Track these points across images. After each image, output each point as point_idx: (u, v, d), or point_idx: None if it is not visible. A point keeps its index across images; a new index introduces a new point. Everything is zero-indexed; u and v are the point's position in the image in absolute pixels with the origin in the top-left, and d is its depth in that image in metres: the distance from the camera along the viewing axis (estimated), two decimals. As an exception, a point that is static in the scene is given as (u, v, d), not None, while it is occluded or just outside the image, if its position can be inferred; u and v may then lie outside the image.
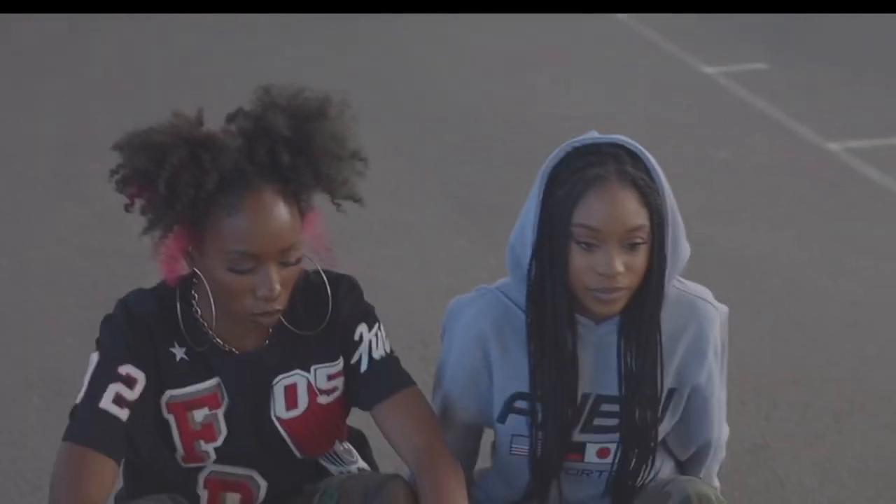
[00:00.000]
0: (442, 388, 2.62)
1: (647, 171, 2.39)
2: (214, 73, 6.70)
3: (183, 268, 2.41)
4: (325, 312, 2.50)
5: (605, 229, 2.35)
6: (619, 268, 2.35)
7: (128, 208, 2.35)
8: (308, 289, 2.50)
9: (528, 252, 2.46)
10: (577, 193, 2.37)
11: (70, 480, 2.32)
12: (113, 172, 2.33)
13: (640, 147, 2.42)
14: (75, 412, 2.39)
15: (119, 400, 2.37)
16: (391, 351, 2.56)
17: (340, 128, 2.38)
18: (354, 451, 2.70)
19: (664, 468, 2.71)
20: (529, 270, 2.46)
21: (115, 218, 4.88)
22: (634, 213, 2.35)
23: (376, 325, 2.55)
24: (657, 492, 2.52)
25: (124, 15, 7.92)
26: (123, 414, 2.37)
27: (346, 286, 2.54)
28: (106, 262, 4.68)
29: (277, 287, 2.33)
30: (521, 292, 2.51)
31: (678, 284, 2.54)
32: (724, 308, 2.57)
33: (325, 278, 2.49)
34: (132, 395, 2.39)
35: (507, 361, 2.54)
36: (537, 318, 2.49)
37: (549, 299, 2.46)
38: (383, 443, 2.72)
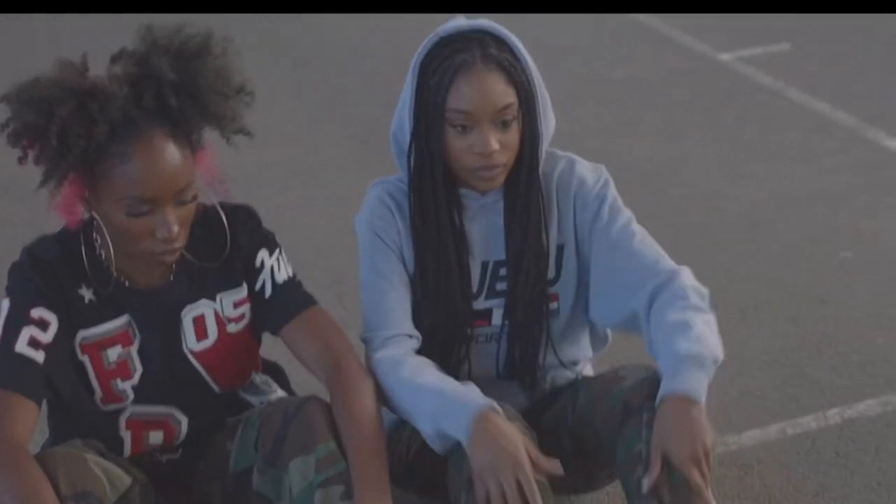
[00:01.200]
0: (367, 261, 2.68)
1: (512, 52, 2.55)
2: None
3: (82, 212, 2.44)
4: (225, 243, 2.56)
5: (477, 111, 2.51)
6: (495, 146, 2.52)
7: (21, 161, 2.38)
8: (206, 221, 2.56)
9: (407, 133, 2.60)
10: (447, 81, 2.52)
11: None
12: (3, 126, 2.36)
13: (503, 31, 2.58)
14: None
15: (34, 343, 2.42)
16: (294, 275, 2.63)
17: (224, 64, 2.43)
18: (273, 382, 2.76)
19: (579, 354, 2.86)
20: (409, 155, 2.60)
21: (19, 188, 4.94)
22: (502, 92, 2.52)
23: (277, 251, 2.62)
24: (610, 377, 2.66)
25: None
26: (39, 356, 2.42)
27: (243, 215, 2.61)
28: (13, 231, 4.67)
29: (176, 228, 2.38)
30: (405, 174, 2.66)
31: (555, 152, 2.71)
32: (599, 166, 2.74)
33: (220, 211, 2.56)
34: (46, 337, 2.43)
35: (405, 236, 2.68)
36: (420, 198, 2.63)
37: (430, 180, 2.60)
38: (301, 375, 2.80)
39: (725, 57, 6.07)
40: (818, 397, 3.39)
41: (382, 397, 2.56)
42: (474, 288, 2.72)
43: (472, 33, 2.57)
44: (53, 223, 2.50)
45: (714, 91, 5.72)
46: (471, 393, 2.50)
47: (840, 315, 3.79)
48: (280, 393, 2.74)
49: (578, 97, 5.66)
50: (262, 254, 2.60)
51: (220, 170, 2.51)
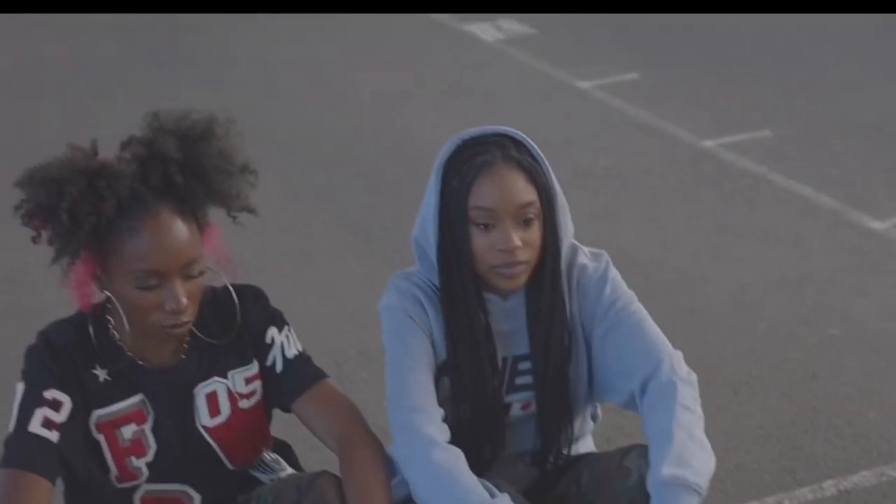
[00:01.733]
0: (397, 340, 2.70)
1: (531, 154, 2.61)
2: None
3: (94, 294, 2.52)
4: (234, 321, 2.62)
5: (499, 208, 2.55)
6: (517, 242, 2.55)
7: (35, 240, 2.45)
8: (216, 301, 2.63)
9: (432, 241, 2.64)
10: (469, 180, 2.57)
11: (7, 502, 2.41)
12: (17, 208, 2.43)
13: (522, 135, 2.63)
14: (9, 441, 2.47)
15: (48, 423, 2.46)
16: (303, 350, 2.69)
17: (228, 145, 2.51)
18: (282, 461, 2.81)
19: (584, 429, 2.91)
20: (438, 258, 2.65)
21: (21, 280, 5.01)
22: (523, 190, 2.57)
23: (286, 328, 2.68)
24: (615, 464, 2.69)
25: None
26: (53, 436, 2.46)
27: (252, 295, 2.68)
28: (19, 321, 4.72)
29: (184, 300, 2.44)
30: (430, 275, 2.71)
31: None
32: (601, 252, 2.79)
33: (230, 289, 2.62)
34: (60, 417, 2.47)
35: (435, 327, 2.72)
36: (450, 301, 2.68)
37: (458, 283, 2.65)
38: (310, 453, 2.85)
39: (708, 144, 6.18)
40: (813, 470, 3.45)
41: (397, 467, 2.59)
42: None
43: (492, 137, 2.63)
44: (57, 313, 2.57)
45: (698, 177, 5.82)
46: None
47: (831, 390, 3.86)
48: (289, 471, 2.78)
49: (565, 186, 5.67)
50: (272, 331, 2.66)
51: (226, 249, 2.58)
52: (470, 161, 2.60)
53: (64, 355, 2.51)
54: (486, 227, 2.57)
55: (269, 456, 2.80)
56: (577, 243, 2.80)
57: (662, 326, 4.36)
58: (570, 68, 7.63)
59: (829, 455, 3.51)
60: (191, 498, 2.68)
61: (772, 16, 8.48)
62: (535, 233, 2.60)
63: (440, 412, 2.68)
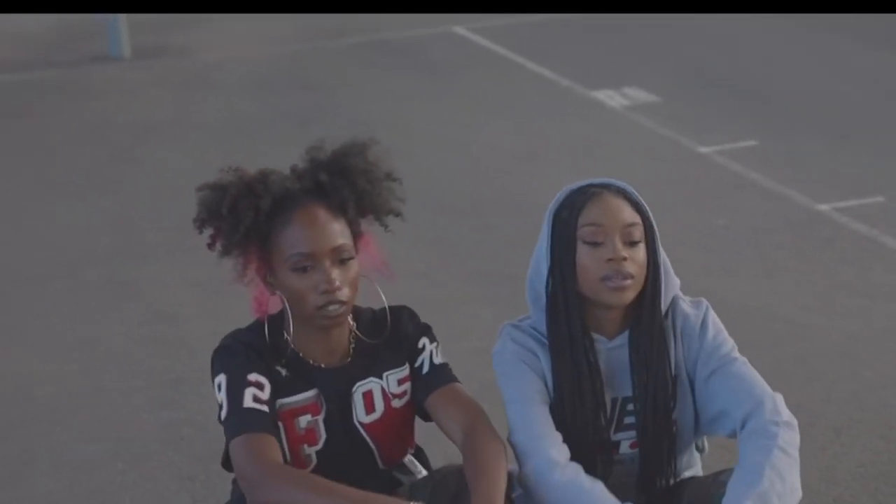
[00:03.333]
0: (513, 384, 2.90)
1: (634, 194, 2.86)
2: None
3: (267, 303, 2.83)
4: (393, 333, 2.91)
5: (607, 223, 2.78)
6: (623, 252, 2.76)
7: (210, 247, 2.82)
8: (376, 318, 2.92)
9: (544, 271, 2.85)
10: (578, 206, 2.82)
11: (250, 456, 2.66)
12: (194, 220, 2.81)
13: (625, 184, 2.87)
14: (227, 421, 2.74)
15: (257, 399, 2.75)
16: (446, 362, 2.95)
17: (373, 153, 2.84)
18: (417, 462, 3.03)
19: (691, 461, 3.08)
20: (547, 286, 2.85)
21: (170, 314, 5.38)
22: (629, 213, 2.81)
23: (435, 342, 2.95)
24: (711, 481, 2.86)
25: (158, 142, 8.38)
26: (264, 408, 2.74)
27: (408, 311, 2.97)
28: (167, 350, 5.06)
29: (335, 280, 2.73)
30: (541, 322, 2.91)
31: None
32: (700, 300, 2.97)
33: (384, 300, 2.91)
34: (264, 395, 2.76)
35: (547, 371, 2.91)
36: (557, 339, 2.87)
37: (565, 316, 2.84)
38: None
39: (823, 207, 6.33)
40: (909, 506, 3.61)
41: (552, 486, 2.77)
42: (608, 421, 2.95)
43: (598, 184, 2.87)
44: (203, 343, 2.89)
45: (811, 238, 5.97)
46: None
47: (932, 435, 4.01)
48: (424, 472, 3.01)
49: (685, 241, 5.95)
50: (424, 340, 2.95)
51: (382, 256, 2.88)
52: (580, 195, 2.84)
53: (252, 350, 2.81)
54: (596, 244, 2.78)
55: (408, 458, 3.03)
56: (679, 293, 2.97)
57: (771, 372, 4.54)
58: (692, 134, 7.82)
59: (922, 491, 3.67)
60: None
61: (887, 83, 8.63)
62: (640, 253, 2.80)
63: (559, 436, 2.85)
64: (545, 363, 2.91)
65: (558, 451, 2.81)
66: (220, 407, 2.77)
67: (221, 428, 2.81)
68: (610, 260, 2.77)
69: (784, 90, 8.74)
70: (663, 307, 2.88)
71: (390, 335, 2.92)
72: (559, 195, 2.89)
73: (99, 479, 4.07)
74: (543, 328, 2.92)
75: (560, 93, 9.12)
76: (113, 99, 9.67)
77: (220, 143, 8.23)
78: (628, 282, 2.79)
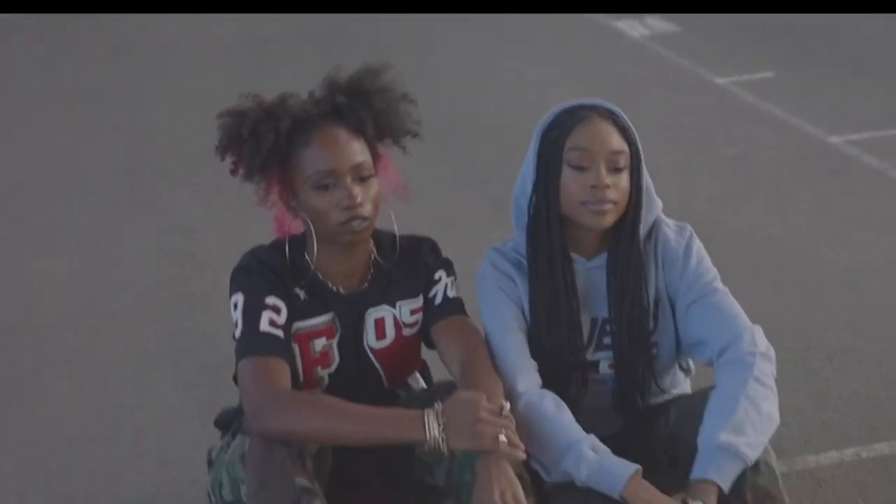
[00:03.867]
0: (491, 311, 2.96)
1: (625, 119, 2.87)
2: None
3: (289, 223, 2.87)
4: (413, 262, 2.94)
5: (594, 149, 2.81)
6: (607, 179, 2.80)
7: (232, 173, 2.84)
8: (401, 247, 2.95)
9: (528, 194, 2.88)
10: (567, 129, 2.84)
11: (258, 381, 2.69)
12: (216, 147, 2.83)
13: (615, 107, 2.89)
14: (241, 341, 2.76)
15: (273, 323, 2.77)
16: (460, 297, 2.96)
17: (388, 76, 2.86)
18: (420, 378, 3.09)
19: (675, 382, 3.14)
20: (530, 203, 2.88)
21: (184, 228, 5.47)
22: (617, 139, 2.84)
23: (453, 276, 2.98)
24: (699, 397, 2.88)
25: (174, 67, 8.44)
26: (279, 333, 2.77)
27: (430, 243, 3.00)
28: (180, 264, 5.15)
29: (357, 196, 2.75)
30: (522, 240, 2.94)
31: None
32: (684, 225, 2.99)
33: (394, 228, 2.94)
34: (280, 319, 2.79)
35: (524, 297, 2.96)
36: (536, 252, 2.91)
37: (546, 233, 2.87)
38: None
39: (835, 139, 6.36)
40: (894, 428, 3.66)
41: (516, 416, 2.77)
42: (584, 341, 3.00)
43: (589, 105, 2.88)
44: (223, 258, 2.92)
45: (822, 169, 6.00)
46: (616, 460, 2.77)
47: (924, 362, 4.07)
48: (424, 386, 3.07)
49: (695, 170, 6.01)
50: (441, 272, 2.97)
51: (400, 177, 2.91)
52: (569, 116, 2.85)
53: (272, 271, 2.83)
54: (581, 169, 2.81)
55: (414, 375, 3.09)
56: (662, 217, 2.99)
57: (772, 299, 4.63)
58: (709, 65, 7.85)
59: (908, 415, 3.74)
60: None
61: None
62: (623, 181, 2.83)
63: (533, 365, 2.91)
64: (522, 288, 2.96)
65: (527, 380, 2.86)
66: (235, 325, 2.81)
67: (228, 338, 2.88)
68: (593, 186, 2.81)
69: (804, 23, 8.73)
70: (643, 231, 2.92)
71: (409, 265, 2.95)
72: (549, 114, 2.91)
73: (108, 384, 4.17)
74: (524, 248, 2.96)
75: (583, 23, 9.14)
76: (136, 19, 9.73)
77: (240, 63, 8.30)
78: (608, 206, 2.83)
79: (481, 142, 6.54)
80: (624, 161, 2.84)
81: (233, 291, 2.84)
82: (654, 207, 2.95)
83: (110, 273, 5.14)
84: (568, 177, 2.84)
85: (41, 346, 4.49)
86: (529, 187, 2.91)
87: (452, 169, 6.06)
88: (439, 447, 2.57)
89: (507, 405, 2.66)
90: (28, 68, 8.91)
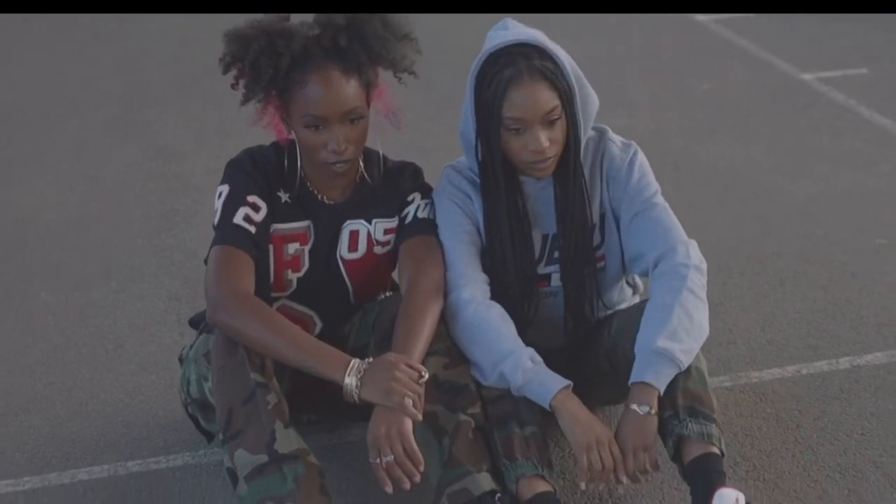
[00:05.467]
0: (448, 223, 3.08)
1: (553, 61, 2.93)
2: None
3: (286, 134, 3.00)
4: (395, 184, 3.08)
5: (527, 116, 2.91)
6: (545, 143, 2.92)
7: (233, 87, 2.96)
8: (383, 166, 3.09)
9: (473, 136, 3.01)
10: (500, 93, 2.91)
11: (222, 272, 2.87)
12: (220, 60, 2.94)
13: (544, 41, 2.95)
14: (216, 229, 2.94)
15: (248, 219, 2.93)
16: (433, 220, 3.07)
17: (391, 18, 2.94)
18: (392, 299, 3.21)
19: (622, 297, 3.30)
20: (477, 152, 3.03)
21: (171, 151, 5.63)
22: (547, 98, 2.91)
23: (430, 199, 3.10)
24: (638, 308, 3.05)
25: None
26: (252, 229, 2.93)
27: (413, 168, 3.14)
28: (166, 184, 5.30)
29: (343, 142, 2.87)
30: (474, 167, 3.07)
31: (592, 133, 3.10)
32: (630, 142, 3.12)
33: (380, 157, 3.10)
34: (257, 217, 2.95)
35: (479, 213, 3.10)
36: (488, 186, 3.05)
37: (493, 173, 3.01)
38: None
39: (806, 76, 6.50)
40: (834, 348, 3.85)
41: (462, 323, 2.97)
42: (536, 256, 3.14)
43: (517, 48, 2.94)
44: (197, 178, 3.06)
45: (791, 105, 6.14)
46: (549, 372, 2.92)
47: (866, 287, 4.23)
48: None
49: (667, 104, 6.16)
50: (416, 195, 3.10)
51: (394, 104, 3.02)
52: (499, 74, 2.90)
53: (261, 171, 2.98)
54: (518, 131, 2.92)
55: (383, 294, 3.25)
56: (609, 133, 3.13)
57: (731, 227, 4.80)
58: (691, 4, 7.96)
59: (850, 338, 3.90)
60: (315, 323, 3.15)
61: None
62: (559, 129, 2.94)
63: (482, 277, 3.05)
64: (477, 204, 3.09)
65: (474, 289, 3.01)
66: (215, 213, 2.97)
67: (204, 260, 3.04)
68: (533, 150, 2.93)
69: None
70: (585, 135, 3.03)
71: (391, 187, 3.08)
72: (478, 61, 2.96)
73: (95, 295, 4.34)
74: (476, 168, 3.08)
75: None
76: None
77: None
78: (549, 162, 2.96)
79: (461, 75, 6.63)
80: (557, 113, 2.93)
81: (221, 181, 3.00)
82: (590, 112, 3.04)
83: (97, 192, 5.30)
84: (508, 138, 2.94)
85: (30, 260, 4.66)
86: (472, 130, 3.02)
87: (431, 98, 6.18)
88: (352, 395, 2.75)
89: (426, 374, 2.80)
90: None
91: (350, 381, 2.75)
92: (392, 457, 2.71)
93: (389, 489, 2.74)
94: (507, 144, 2.96)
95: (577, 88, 2.97)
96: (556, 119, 2.93)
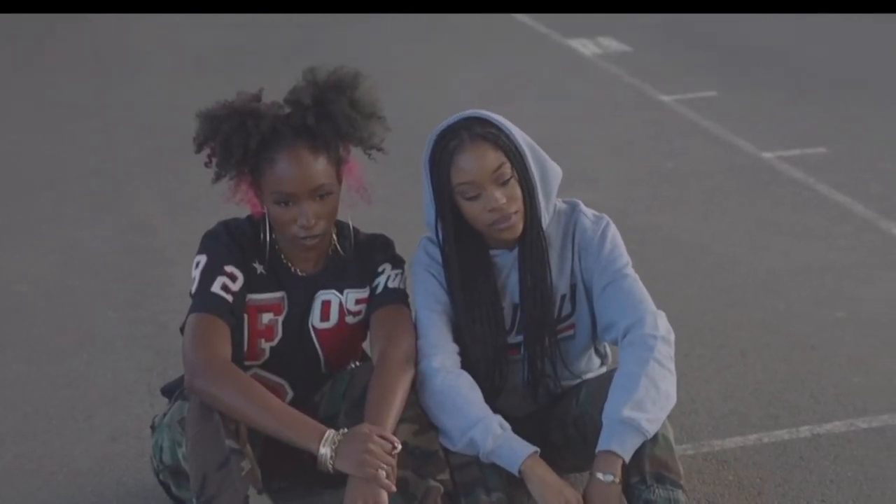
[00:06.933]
0: (424, 292, 3.12)
1: (496, 126, 2.98)
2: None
3: (261, 205, 3.02)
4: (367, 256, 3.11)
5: (476, 178, 2.95)
6: (501, 199, 2.94)
7: (206, 164, 3.00)
8: (355, 239, 3.12)
9: (432, 223, 3.05)
10: (446, 165, 2.97)
11: (200, 339, 2.90)
12: (193, 139, 2.98)
13: (485, 113, 3.01)
14: (193, 297, 2.97)
15: (225, 288, 2.97)
16: (404, 289, 3.10)
17: (361, 95, 2.97)
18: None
19: (590, 366, 3.32)
20: (437, 232, 3.07)
21: (144, 225, 5.65)
22: (492, 157, 2.96)
23: (400, 270, 3.13)
24: (607, 378, 3.06)
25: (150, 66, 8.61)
26: (229, 297, 2.96)
27: (382, 241, 3.17)
28: (140, 257, 5.31)
29: (312, 219, 2.92)
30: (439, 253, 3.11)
31: (564, 206, 3.13)
32: (602, 215, 3.15)
33: (351, 226, 3.14)
34: (234, 286, 2.99)
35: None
36: (451, 265, 3.07)
37: (452, 253, 3.04)
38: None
39: (767, 155, 6.56)
40: (794, 417, 3.87)
41: (431, 391, 2.99)
42: (507, 325, 3.17)
43: (460, 123, 3.00)
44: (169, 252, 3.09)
45: (753, 182, 6.19)
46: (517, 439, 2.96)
47: (826, 360, 4.26)
48: None
49: (636, 181, 6.21)
50: (386, 266, 3.14)
51: (364, 180, 3.07)
52: (445, 149, 2.97)
53: (240, 242, 3.02)
54: (473, 197, 2.95)
55: (353, 364, 3.26)
56: (580, 206, 3.16)
57: (697, 299, 4.83)
58: (657, 83, 8.07)
59: (810, 407, 3.92)
60: (286, 392, 3.15)
61: (842, 44, 8.89)
62: (514, 189, 2.97)
63: (453, 347, 3.08)
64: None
65: (444, 358, 3.04)
66: (192, 282, 3.00)
67: (180, 328, 3.06)
68: (491, 210, 2.96)
69: (751, 45, 8.98)
70: (547, 212, 3.06)
71: (362, 258, 3.11)
72: (427, 144, 3.03)
73: (66, 366, 4.33)
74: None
75: (538, 39, 9.36)
76: (106, 21, 9.91)
77: (210, 71, 8.47)
78: (513, 219, 2.99)
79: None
80: (508, 171, 2.96)
81: (198, 252, 3.03)
82: (552, 182, 3.07)
83: (72, 263, 5.30)
84: (466, 207, 2.99)
85: (4, 331, 4.65)
86: (433, 214, 3.06)
87: (401, 173, 6.21)
88: (326, 465, 2.77)
89: (399, 445, 2.82)
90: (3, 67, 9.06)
91: (325, 451, 2.76)
92: None
93: None
94: (469, 214, 2.99)
95: (528, 154, 3.01)
96: (509, 178, 2.97)
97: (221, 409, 2.82)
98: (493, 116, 3.02)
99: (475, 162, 2.96)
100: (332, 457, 2.75)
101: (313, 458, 2.87)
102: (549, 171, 3.07)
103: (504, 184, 2.97)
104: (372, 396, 2.90)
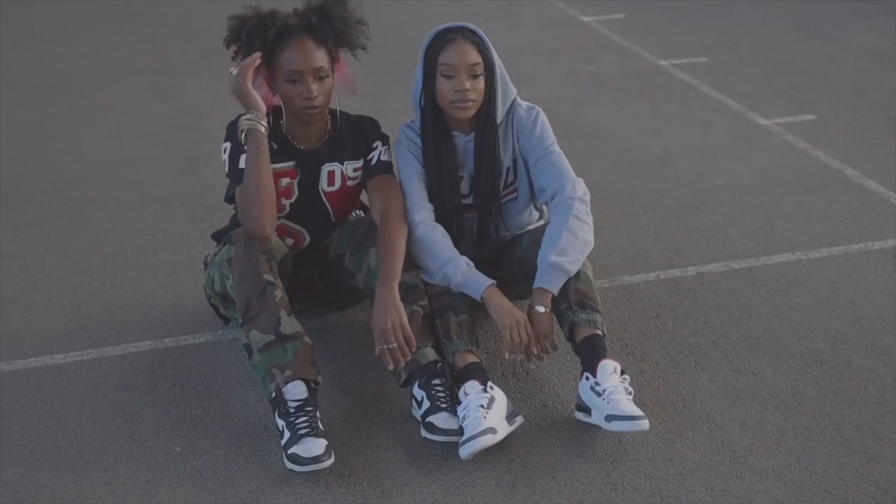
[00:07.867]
0: (405, 166, 3.08)
1: (483, 39, 2.96)
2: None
3: (272, 100, 2.95)
4: (360, 132, 3.04)
5: (457, 63, 2.92)
6: (467, 85, 2.91)
7: (233, 59, 2.92)
8: (346, 121, 3.05)
9: (419, 93, 2.99)
10: (439, 48, 2.94)
11: (248, 203, 2.82)
12: (224, 39, 2.92)
13: (476, 28, 2.96)
14: (229, 175, 2.91)
15: None
16: (390, 162, 3.06)
17: (350, 7, 2.94)
18: (363, 215, 3.21)
19: (530, 220, 3.27)
20: (420, 99, 3.00)
21: (193, 111, 5.49)
22: (473, 55, 2.93)
23: (388, 146, 3.07)
24: (542, 227, 3.05)
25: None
26: None
27: (371, 121, 3.09)
28: (192, 136, 5.18)
29: (314, 91, 2.86)
30: (419, 119, 3.05)
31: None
32: (534, 106, 3.09)
33: (338, 113, 3.04)
34: None
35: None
36: (426, 132, 3.03)
37: (431, 117, 2.99)
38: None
39: (663, 63, 6.46)
40: (684, 260, 3.85)
41: (415, 239, 2.96)
42: (465, 191, 3.14)
43: (458, 27, 2.98)
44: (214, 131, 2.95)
45: (651, 83, 6.10)
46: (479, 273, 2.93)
47: (708, 217, 4.23)
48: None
49: (561, 81, 6.10)
50: (378, 143, 3.08)
51: (352, 76, 3.00)
52: (443, 38, 2.95)
53: None
54: (449, 77, 2.93)
55: (355, 214, 3.23)
56: (518, 101, 3.10)
57: (608, 171, 4.76)
58: (578, 7, 7.88)
59: (696, 253, 3.91)
60: (305, 237, 3.11)
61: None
62: (480, 84, 2.95)
63: (429, 206, 3.05)
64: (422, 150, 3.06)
65: (424, 214, 3.01)
66: (224, 164, 2.94)
67: (224, 188, 3.01)
68: (457, 91, 2.93)
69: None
70: (501, 113, 3.02)
71: (356, 135, 3.04)
72: (429, 35, 2.99)
73: (137, 216, 4.25)
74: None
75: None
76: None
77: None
78: (469, 104, 2.95)
79: (408, 56, 6.53)
80: (480, 69, 2.94)
81: (224, 140, 2.95)
82: (509, 96, 3.04)
83: (139, 139, 5.18)
84: (441, 83, 2.95)
85: (89, 190, 4.56)
86: (419, 88, 3.01)
87: (384, 75, 6.09)
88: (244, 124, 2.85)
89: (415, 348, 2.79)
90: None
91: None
92: (395, 344, 2.71)
93: (392, 367, 2.75)
94: (440, 89, 2.95)
95: (497, 68, 2.98)
96: (479, 75, 2.94)
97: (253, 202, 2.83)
98: (482, 33, 2.99)
99: (461, 53, 2.94)
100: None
101: (326, 287, 2.81)
102: (508, 86, 3.06)
103: (474, 77, 2.95)
104: (382, 248, 2.88)
